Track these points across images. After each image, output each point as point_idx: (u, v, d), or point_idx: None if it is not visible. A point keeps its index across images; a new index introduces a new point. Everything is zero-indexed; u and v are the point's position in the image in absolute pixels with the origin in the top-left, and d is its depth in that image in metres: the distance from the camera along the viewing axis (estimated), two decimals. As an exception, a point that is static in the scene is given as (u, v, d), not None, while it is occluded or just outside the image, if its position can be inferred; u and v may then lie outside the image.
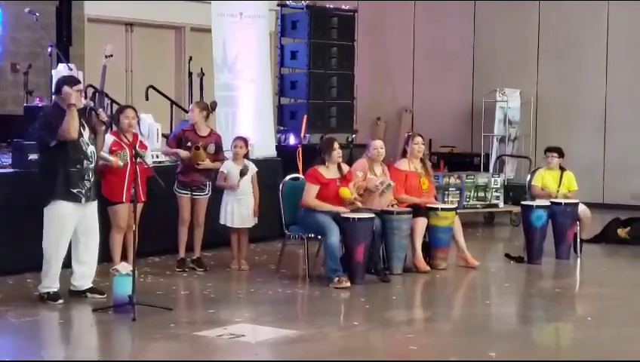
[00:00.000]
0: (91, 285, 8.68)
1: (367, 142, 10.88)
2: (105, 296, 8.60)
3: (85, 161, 8.40)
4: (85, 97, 9.04)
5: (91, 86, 12.13)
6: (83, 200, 8.40)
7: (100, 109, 8.92)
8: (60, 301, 8.43)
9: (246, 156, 10.43)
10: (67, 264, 8.60)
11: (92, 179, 8.49)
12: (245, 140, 10.48)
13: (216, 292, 9.20)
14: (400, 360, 7.17)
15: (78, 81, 8.58)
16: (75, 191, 8.34)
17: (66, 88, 8.31)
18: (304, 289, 9.54)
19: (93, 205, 8.60)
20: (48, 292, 8.45)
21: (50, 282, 8.46)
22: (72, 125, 8.24)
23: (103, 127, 8.71)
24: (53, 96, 8.91)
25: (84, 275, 8.63)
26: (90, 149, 8.46)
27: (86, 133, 8.45)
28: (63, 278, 8.57)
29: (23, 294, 8.74)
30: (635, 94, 16.07)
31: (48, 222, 8.41)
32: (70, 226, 8.42)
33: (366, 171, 10.29)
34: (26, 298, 8.59)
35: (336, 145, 9.92)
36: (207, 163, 10.11)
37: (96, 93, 11.70)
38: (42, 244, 8.44)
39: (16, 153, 9.97)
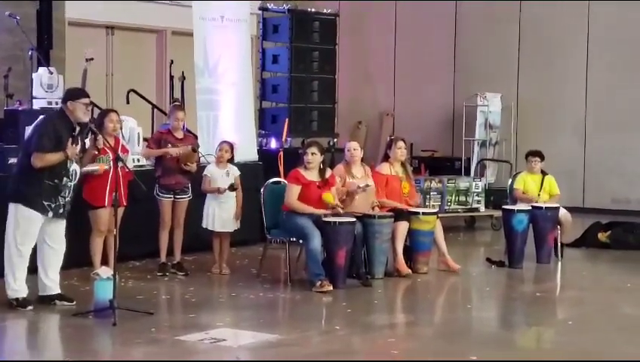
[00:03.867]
0: (59, 291, 8.56)
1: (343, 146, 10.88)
2: (74, 303, 8.50)
3: (65, 178, 8.30)
4: (92, 117, 8.92)
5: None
6: (50, 214, 8.27)
7: (100, 136, 8.82)
8: (30, 307, 8.31)
9: (230, 161, 10.41)
10: (34, 270, 8.45)
11: (67, 198, 8.37)
12: (231, 145, 10.47)
13: (198, 297, 9.17)
14: (381, 365, 7.20)
15: (85, 95, 8.43)
16: (45, 203, 8.22)
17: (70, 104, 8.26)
18: (286, 293, 9.53)
19: (61, 222, 8.46)
20: (17, 298, 8.32)
21: (18, 287, 8.31)
22: (50, 163, 8.14)
23: (95, 151, 8.72)
24: (59, 103, 8.81)
25: (51, 280, 8.47)
26: (73, 167, 8.36)
27: (76, 149, 8.33)
28: (31, 284, 8.44)
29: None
30: (615, 98, 16.12)
31: (13, 219, 8.26)
32: (35, 231, 8.29)
33: (344, 176, 10.28)
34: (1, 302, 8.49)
35: (310, 149, 9.85)
36: (193, 167, 10.11)
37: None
38: (4, 241, 8.29)
39: (-5, 156, 9.90)
